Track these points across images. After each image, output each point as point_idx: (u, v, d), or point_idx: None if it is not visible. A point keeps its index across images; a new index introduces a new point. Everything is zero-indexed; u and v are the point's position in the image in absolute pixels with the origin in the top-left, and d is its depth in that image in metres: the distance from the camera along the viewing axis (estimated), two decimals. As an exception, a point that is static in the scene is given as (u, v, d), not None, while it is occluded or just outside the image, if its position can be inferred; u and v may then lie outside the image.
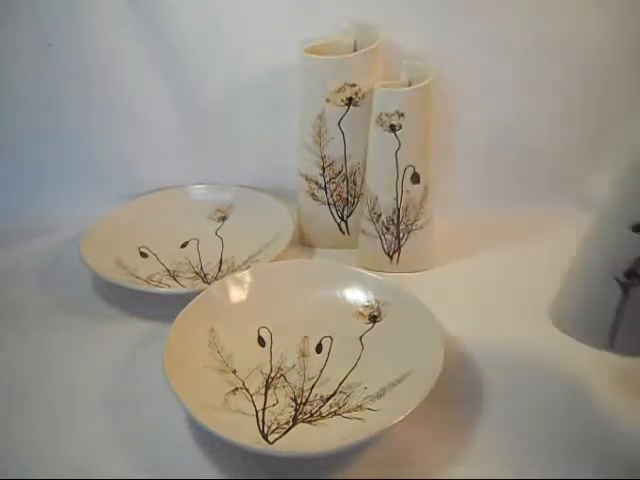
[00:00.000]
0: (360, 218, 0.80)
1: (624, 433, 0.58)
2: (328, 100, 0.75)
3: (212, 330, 0.65)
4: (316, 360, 0.65)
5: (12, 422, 0.60)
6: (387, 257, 0.79)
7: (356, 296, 0.69)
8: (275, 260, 0.74)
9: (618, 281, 0.50)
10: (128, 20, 0.82)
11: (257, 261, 0.77)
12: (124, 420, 0.59)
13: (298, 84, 0.77)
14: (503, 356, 0.67)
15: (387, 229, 0.77)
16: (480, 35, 0.81)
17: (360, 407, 0.59)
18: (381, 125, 0.72)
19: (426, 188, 0.75)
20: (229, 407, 0.58)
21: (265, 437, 0.56)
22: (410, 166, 0.74)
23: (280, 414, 0.59)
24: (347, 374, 0.63)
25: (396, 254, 0.79)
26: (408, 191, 0.75)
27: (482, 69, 0.82)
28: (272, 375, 0.63)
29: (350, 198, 0.82)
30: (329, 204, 0.82)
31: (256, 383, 0.62)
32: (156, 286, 0.75)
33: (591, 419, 0.59)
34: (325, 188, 0.81)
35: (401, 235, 0.78)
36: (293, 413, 0.59)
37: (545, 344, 0.68)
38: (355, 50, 0.78)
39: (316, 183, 0.81)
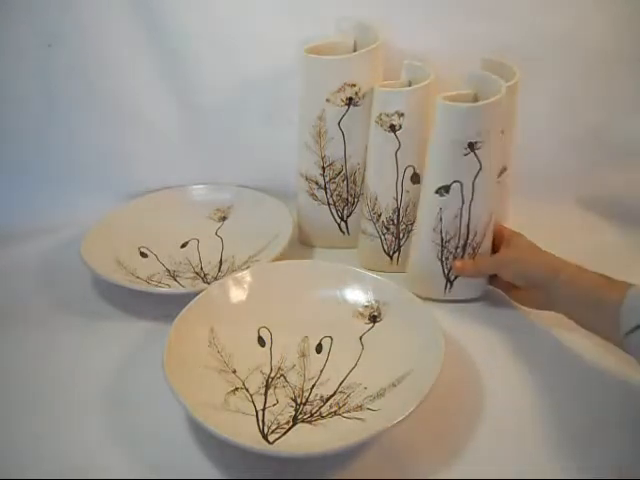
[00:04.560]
0: (360, 218, 0.80)
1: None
2: (328, 100, 0.75)
3: (212, 330, 0.65)
4: (316, 360, 0.65)
5: (12, 422, 0.60)
6: (387, 257, 0.79)
7: (356, 296, 0.69)
8: (275, 260, 0.74)
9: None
10: (128, 20, 0.82)
11: (257, 261, 0.77)
12: (124, 420, 0.59)
13: (298, 84, 0.77)
14: (503, 356, 0.67)
15: (387, 229, 0.77)
16: (480, 35, 0.81)
17: (360, 407, 0.59)
18: (381, 125, 0.72)
19: (426, 188, 0.75)
20: (229, 407, 0.58)
21: (265, 437, 0.56)
22: (410, 166, 0.74)
23: (280, 414, 0.59)
24: (347, 374, 0.63)
25: (396, 254, 0.79)
26: (408, 191, 0.75)
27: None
28: (272, 375, 0.63)
29: (350, 198, 0.82)
30: (329, 204, 0.82)
31: (256, 383, 0.62)
32: (156, 286, 0.74)
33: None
34: (325, 188, 0.81)
35: (401, 235, 0.78)
36: (293, 413, 0.59)
37: (545, 344, 0.68)
38: (355, 50, 0.78)
39: (316, 183, 0.81)
